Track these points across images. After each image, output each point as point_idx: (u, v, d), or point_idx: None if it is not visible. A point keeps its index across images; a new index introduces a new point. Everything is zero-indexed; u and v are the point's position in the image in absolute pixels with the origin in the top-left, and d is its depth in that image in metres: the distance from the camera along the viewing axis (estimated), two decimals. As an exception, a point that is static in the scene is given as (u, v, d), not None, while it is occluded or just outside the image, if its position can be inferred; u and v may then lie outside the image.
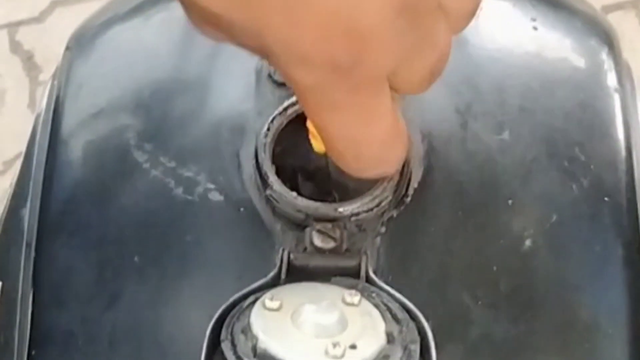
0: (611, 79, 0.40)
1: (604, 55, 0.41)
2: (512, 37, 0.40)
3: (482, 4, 0.28)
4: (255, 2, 0.24)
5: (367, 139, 0.28)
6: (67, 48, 0.45)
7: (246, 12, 0.24)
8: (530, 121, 0.38)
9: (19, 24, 1.43)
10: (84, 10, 0.49)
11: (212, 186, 0.37)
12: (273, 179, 0.35)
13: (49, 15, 1.44)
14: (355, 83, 0.25)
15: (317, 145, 0.33)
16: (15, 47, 1.41)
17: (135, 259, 0.36)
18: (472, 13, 0.27)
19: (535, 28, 0.41)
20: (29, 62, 1.40)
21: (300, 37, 0.24)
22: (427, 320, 0.31)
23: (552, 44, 0.40)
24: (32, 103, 1.31)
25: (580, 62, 0.40)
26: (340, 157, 0.29)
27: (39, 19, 1.44)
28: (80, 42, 0.45)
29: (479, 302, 0.34)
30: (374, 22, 0.24)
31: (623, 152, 0.38)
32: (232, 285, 0.34)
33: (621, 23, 1.38)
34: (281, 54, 0.25)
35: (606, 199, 0.37)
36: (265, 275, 0.33)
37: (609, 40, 0.41)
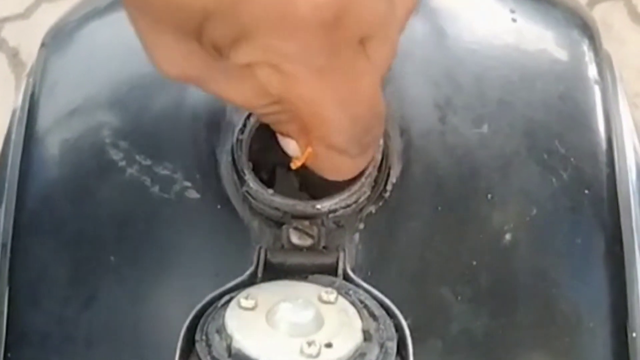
0: (591, 71, 0.40)
1: (584, 47, 0.40)
2: (491, 29, 0.40)
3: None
4: None
5: (358, 96, 0.28)
6: (43, 44, 0.44)
7: None
8: (510, 114, 0.37)
9: (5, 20, 1.42)
10: (70, 6, 0.48)
11: (188, 184, 0.36)
12: (250, 176, 0.35)
13: (34, 11, 1.43)
14: (335, 45, 0.26)
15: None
16: (1, 43, 1.40)
17: (112, 258, 0.36)
18: None
19: (514, 20, 0.40)
20: (15, 59, 1.39)
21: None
22: (406, 316, 0.31)
23: (531, 35, 0.40)
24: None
25: (560, 54, 0.40)
26: (336, 129, 0.29)
27: (24, 15, 1.43)
28: (56, 39, 0.44)
29: (459, 298, 0.34)
30: None
31: (603, 145, 0.38)
32: (210, 283, 0.33)
33: (610, 14, 1.38)
34: (261, 26, 0.25)
35: (586, 191, 0.36)
36: (243, 273, 0.33)
37: (589, 31, 0.41)
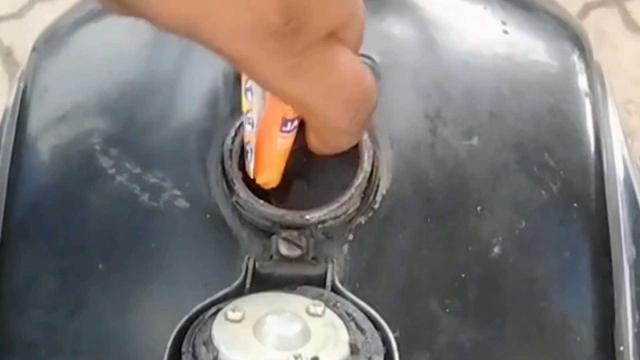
0: (582, 83, 0.40)
1: (575, 59, 0.40)
2: (482, 41, 0.40)
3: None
4: None
5: (339, 81, 0.27)
6: (34, 49, 0.44)
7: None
8: (500, 126, 0.37)
9: (-2, 19, 1.42)
10: (64, 6, 0.48)
11: (178, 193, 0.36)
12: (239, 185, 0.35)
13: (28, 11, 1.43)
14: (301, 47, 0.25)
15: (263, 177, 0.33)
16: (-6, 43, 1.39)
17: (100, 266, 0.35)
18: None
19: (505, 31, 0.40)
20: (8, 59, 1.38)
21: (237, 15, 0.23)
22: (394, 329, 0.31)
23: (522, 47, 0.40)
24: (11, 100, 1.29)
25: (550, 65, 0.40)
26: (329, 116, 0.28)
27: (18, 14, 1.43)
28: (48, 44, 0.44)
29: (447, 310, 0.34)
30: None
31: (593, 158, 0.38)
32: (198, 293, 0.33)
33: (604, 20, 1.38)
34: (217, 35, 0.24)
35: (575, 204, 0.36)
36: (231, 283, 0.33)
37: (580, 43, 0.41)
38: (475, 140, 0.37)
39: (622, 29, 1.40)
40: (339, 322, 0.30)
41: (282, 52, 0.25)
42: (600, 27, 1.36)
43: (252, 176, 0.34)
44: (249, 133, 0.33)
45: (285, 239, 0.34)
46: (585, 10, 1.39)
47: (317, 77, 0.27)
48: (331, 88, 0.27)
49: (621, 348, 0.35)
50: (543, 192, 0.36)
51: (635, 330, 0.35)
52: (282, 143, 0.33)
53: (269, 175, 0.33)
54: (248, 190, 0.35)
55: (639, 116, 1.26)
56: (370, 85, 0.29)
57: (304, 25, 0.24)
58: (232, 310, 0.29)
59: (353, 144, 0.32)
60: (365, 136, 0.35)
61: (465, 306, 0.34)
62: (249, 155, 0.34)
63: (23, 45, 1.38)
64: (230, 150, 0.35)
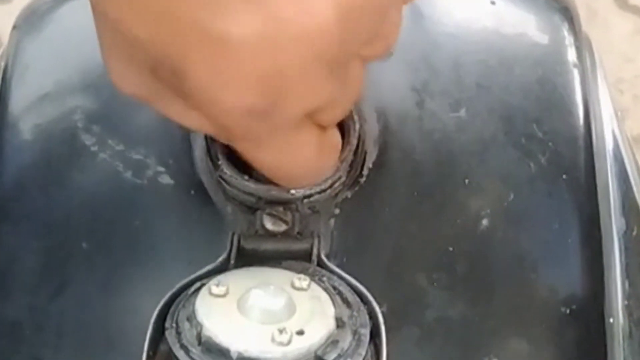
0: (570, 55, 0.39)
1: (564, 31, 0.40)
2: (469, 12, 0.40)
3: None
4: (178, 33, 0.23)
5: (297, 164, 0.29)
6: (15, 27, 0.43)
7: (167, 40, 0.24)
8: (488, 98, 0.37)
9: (-15, 4, 1.40)
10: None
11: (162, 169, 0.36)
12: (224, 161, 0.34)
13: (15, -4, 1.42)
14: (273, 125, 0.26)
15: None
16: (-19, 28, 1.38)
17: (84, 245, 0.35)
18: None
19: (493, 2, 0.40)
20: (-4, 44, 1.37)
21: (217, 80, 0.24)
22: (381, 303, 0.31)
23: (510, 19, 0.40)
24: (-1, 85, 1.28)
25: (539, 37, 0.39)
26: (273, 177, 0.31)
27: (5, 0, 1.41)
28: (29, 21, 0.44)
29: (435, 284, 0.34)
30: (293, 71, 0.24)
31: (582, 129, 0.37)
32: (183, 270, 0.33)
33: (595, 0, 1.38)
34: (198, 95, 0.25)
35: (564, 176, 0.36)
36: (216, 260, 0.32)
37: (568, 15, 0.41)
38: (462, 113, 0.36)
39: (613, 8, 1.40)
40: (324, 296, 0.30)
41: (252, 126, 0.26)
42: (592, 6, 1.36)
43: None
44: None
45: (270, 214, 0.33)
46: (577, -11, 1.39)
47: (278, 153, 0.28)
48: (287, 166, 0.29)
49: (611, 320, 0.34)
50: (531, 164, 0.36)
51: (625, 302, 0.35)
52: None
53: None
54: (232, 166, 0.34)
55: (630, 94, 1.26)
56: (327, 168, 0.31)
57: (277, 109, 0.25)
58: (215, 285, 0.29)
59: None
60: (351, 109, 0.35)
61: (454, 280, 0.34)
62: None
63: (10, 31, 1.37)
64: (214, 125, 0.35)
